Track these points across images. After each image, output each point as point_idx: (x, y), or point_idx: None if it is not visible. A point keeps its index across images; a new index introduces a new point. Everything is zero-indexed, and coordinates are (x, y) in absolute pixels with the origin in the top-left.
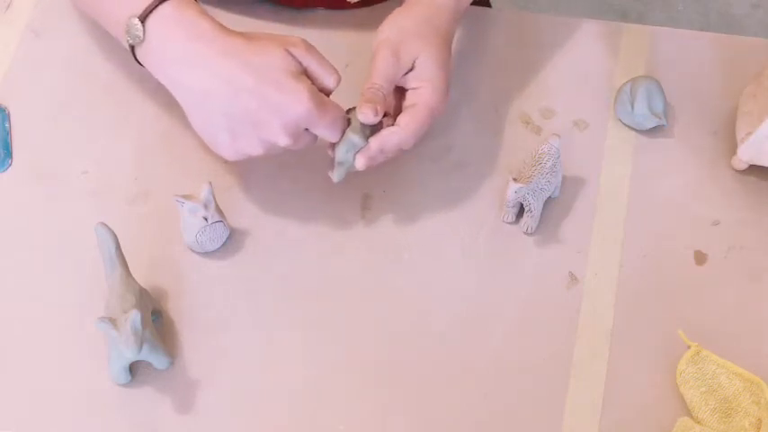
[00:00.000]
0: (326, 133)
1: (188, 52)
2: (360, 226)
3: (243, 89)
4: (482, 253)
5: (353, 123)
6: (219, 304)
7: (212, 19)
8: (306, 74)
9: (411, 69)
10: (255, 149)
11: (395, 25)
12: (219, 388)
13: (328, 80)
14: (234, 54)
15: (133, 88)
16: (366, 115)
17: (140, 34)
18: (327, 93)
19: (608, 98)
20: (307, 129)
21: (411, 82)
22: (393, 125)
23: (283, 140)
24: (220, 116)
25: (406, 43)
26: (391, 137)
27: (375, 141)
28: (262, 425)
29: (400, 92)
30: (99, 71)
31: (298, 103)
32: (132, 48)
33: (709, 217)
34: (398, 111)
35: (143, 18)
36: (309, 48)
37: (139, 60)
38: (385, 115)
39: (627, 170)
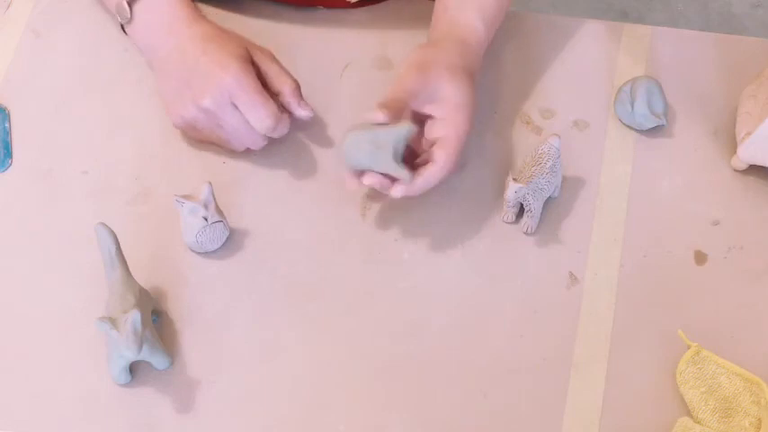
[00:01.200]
0: (249, 113)
1: (163, 33)
2: (360, 226)
3: (191, 55)
4: (482, 253)
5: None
6: (219, 304)
7: (190, 5)
8: (259, 72)
9: (437, 101)
10: (188, 111)
11: (425, 54)
12: (219, 388)
13: (283, 85)
14: (199, 36)
15: (133, 88)
16: (376, 115)
17: (128, 15)
18: (286, 102)
19: (608, 98)
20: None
21: (438, 111)
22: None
23: (206, 101)
24: (172, 80)
25: (435, 71)
26: (435, 174)
27: (421, 180)
28: (262, 425)
29: (422, 121)
30: (99, 71)
31: (225, 71)
32: (122, 25)
33: (709, 217)
34: (419, 138)
35: (130, 2)
36: (273, 58)
37: (128, 34)
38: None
39: (627, 170)
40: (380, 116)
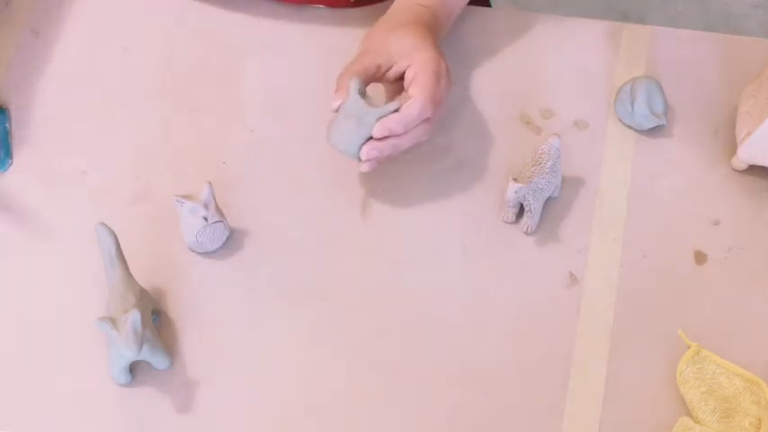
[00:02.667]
0: None
1: None
2: (360, 226)
3: None
4: (482, 253)
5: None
6: (219, 304)
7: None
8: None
9: (398, 56)
10: None
11: (369, 38)
12: (219, 388)
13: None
14: None
15: (133, 88)
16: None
17: None
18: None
19: (608, 98)
20: None
21: (401, 64)
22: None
23: None
24: None
25: (384, 45)
26: (411, 108)
27: (396, 116)
28: (261, 425)
29: (399, 84)
30: (99, 71)
31: None
32: None
33: (709, 217)
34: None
35: None
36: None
37: None
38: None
39: (627, 170)
40: (334, 104)
